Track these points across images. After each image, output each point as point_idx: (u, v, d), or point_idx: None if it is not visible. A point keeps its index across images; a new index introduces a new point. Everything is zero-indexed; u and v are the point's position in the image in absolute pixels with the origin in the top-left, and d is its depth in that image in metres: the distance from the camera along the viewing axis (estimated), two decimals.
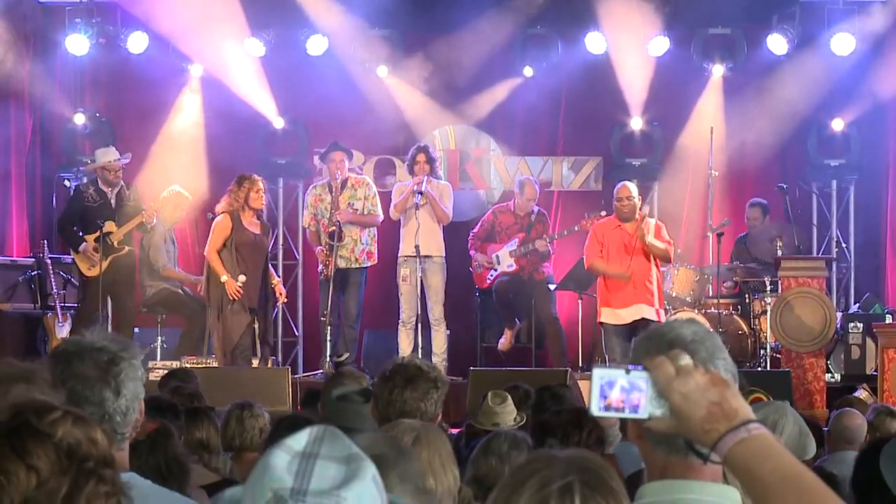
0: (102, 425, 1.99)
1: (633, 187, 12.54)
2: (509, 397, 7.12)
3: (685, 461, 2.49)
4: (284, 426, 4.89)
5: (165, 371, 9.74)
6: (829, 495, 2.22)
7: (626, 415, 2.30)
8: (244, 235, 12.10)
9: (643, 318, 12.03)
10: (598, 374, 2.31)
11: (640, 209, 12.42)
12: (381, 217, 13.22)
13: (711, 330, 2.70)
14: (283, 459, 1.97)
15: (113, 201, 13.07)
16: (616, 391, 2.29)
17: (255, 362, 12.16)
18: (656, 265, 12.30)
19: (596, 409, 2.29)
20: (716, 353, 2.60)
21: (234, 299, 11.95)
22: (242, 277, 11.94)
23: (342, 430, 2.07)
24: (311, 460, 1.97)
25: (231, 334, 11.96)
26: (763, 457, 2.23)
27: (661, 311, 12.29)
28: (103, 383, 3.24)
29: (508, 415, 7.02)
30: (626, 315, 12.18)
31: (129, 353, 3.31)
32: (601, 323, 12.45)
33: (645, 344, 2.60)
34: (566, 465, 2.21)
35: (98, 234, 12.81)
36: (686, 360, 2.32)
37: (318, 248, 13.14)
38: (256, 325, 12.67)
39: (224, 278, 11.94)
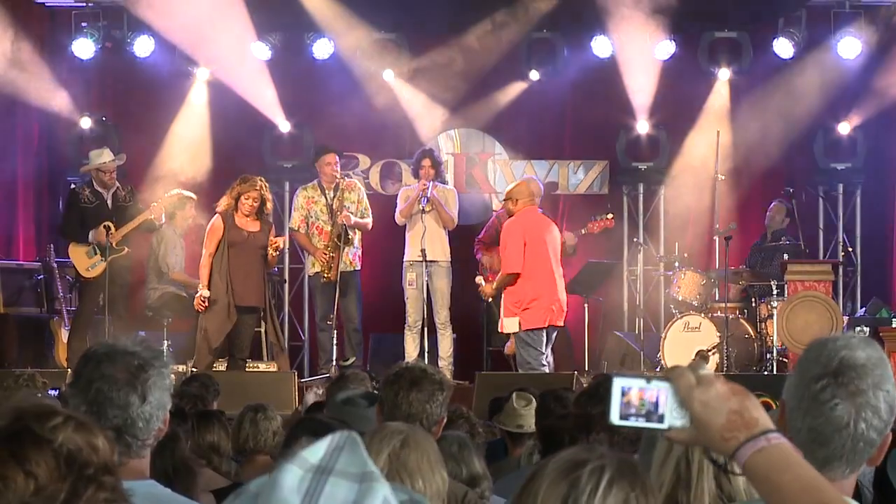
0: (105, 431, 1.98)
1: (515, 186, 12.35)
2: (533, 399, 7.10)
3: (819, 471, 2.45)
4: (303, 428, 4.86)
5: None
6: None
7: (646, 424, 2.30)
8: (235, 235, 11.99)
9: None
10: (618, 382, 2.30)
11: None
12: (371, 222, 13.15)
13: (885, 356, 2.69)
14: (294, 476, 1.93)
15: (109, 202, 13.05)
16: (636, 400, 2.29)
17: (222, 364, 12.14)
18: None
19: (615, 417, 2.29)
20: (882, 383, 2.61)
21: (216, 300, 11.88)
22: (205, 293, 11.87)
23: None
24: (324, 477, 1.92)
25: (212, 338, 11.89)
26: (782, 467, 2.24)
27: (508, 321, 12.02)
28: (130, 387, 3.24)
29: (532, 417, 7.01)
30: None
31: (161, 362, 3.31)
32: None
33: (815, 352, 2.62)
34: (604, 452, 2.22)
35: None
36: (707, 369, 2.32)
37: (317, 250, 13.05)
38: (263, 326, 12.69)
39: (199, 288, 11.94)
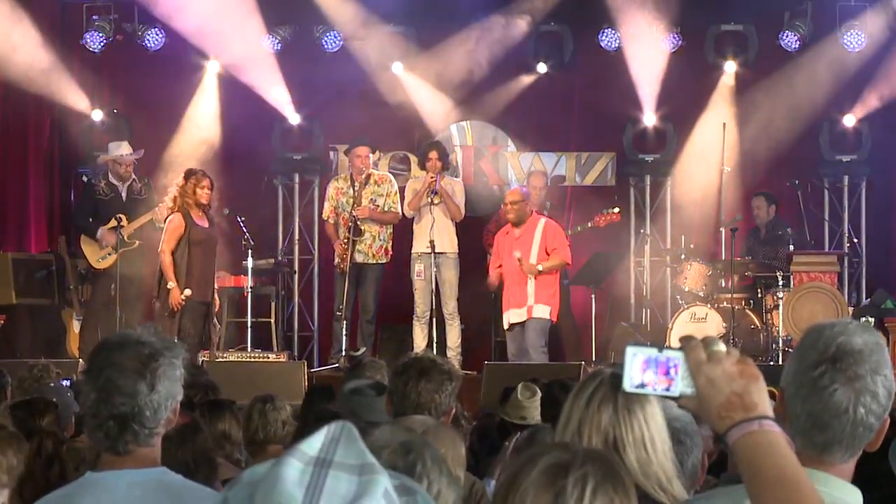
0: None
1: (521, 192, 12.76)
2: (539, 391, 7.14)
3: (819, 456, 2.56)
4: (314, 418, 4.94)
5: None
6: None
7: (658, 392, 2.37)
8: (197, 233, 11.97)
9: (515, 323, 12.48)
10: (632, 351, 2.36)
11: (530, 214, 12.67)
12: (401, 215, 13.31)
13: (882, 342, 2.72)
14: (295, 469, 1.91)
15: (124, 195, 13.16)
16: (649, 369, 2.35)
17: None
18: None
19: (628, 385, 2.35)
20: (879, 369, 2.64)
21: (183, 302, 11.84)
22: (188, 291, 11.79)
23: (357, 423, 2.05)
24: (324, 470, 1.91)
25: (181, 335, 11.78)
26: (767, 453, 2.30)
27: (541, 307, 12.45)
28: (139, 376, 3.23)
29: (536, 409, 7.05)
30: (503, 320, 12.65)
31: (172, 353, 3.30)
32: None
33: (812, 339, 2.66)
34: (584, 454, 2.25)
35: (111, 225, 12.93)
36: (720, 346, 2.38)
37: (336, 241, 13.21)
38: (272, 317, 12.76)
39: (171, 285, 11.80)
